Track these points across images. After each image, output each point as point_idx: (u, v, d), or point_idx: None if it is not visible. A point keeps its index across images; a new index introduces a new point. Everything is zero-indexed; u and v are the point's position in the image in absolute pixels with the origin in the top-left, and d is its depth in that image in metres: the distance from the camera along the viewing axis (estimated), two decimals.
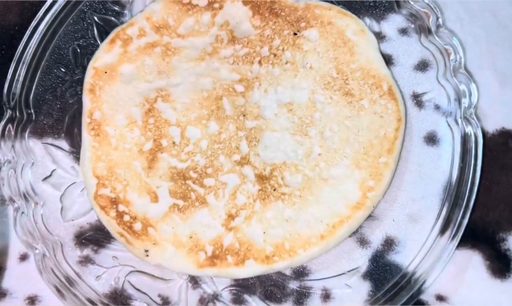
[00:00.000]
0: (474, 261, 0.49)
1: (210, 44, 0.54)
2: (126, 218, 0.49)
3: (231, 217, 0.49)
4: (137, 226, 0.49)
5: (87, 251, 0.51)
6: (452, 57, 0.51)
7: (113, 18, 0.57)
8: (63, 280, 0.48)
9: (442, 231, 0.48)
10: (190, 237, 0.49)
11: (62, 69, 0.55)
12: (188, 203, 0.50)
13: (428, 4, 0.53)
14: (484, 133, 0.52)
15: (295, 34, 0.54)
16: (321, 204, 0.49)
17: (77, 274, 0.49)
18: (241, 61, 0.54)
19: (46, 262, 0.48)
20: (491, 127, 0.53)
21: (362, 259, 0.49)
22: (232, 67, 0.54)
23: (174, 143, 0.52)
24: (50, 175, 0.53)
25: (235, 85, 0.53)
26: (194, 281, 0.49)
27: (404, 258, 0.49)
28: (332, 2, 0.55)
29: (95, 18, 0.57)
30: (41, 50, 0.54)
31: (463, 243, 0.48)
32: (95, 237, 0.51)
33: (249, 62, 0.54)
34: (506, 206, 0.51)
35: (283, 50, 0.54)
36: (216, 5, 0.55)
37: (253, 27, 0.55)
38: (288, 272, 0.49)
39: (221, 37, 0.54)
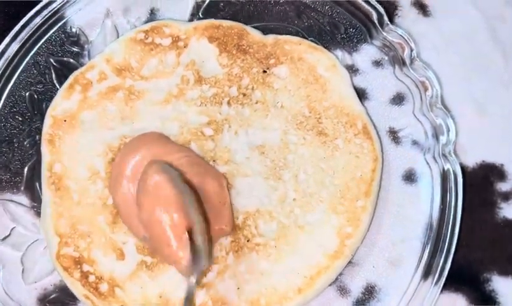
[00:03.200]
0: (458, 305, 0.47)
1: (176, 86, 0.51)
2: (91, 278, 0.47)
3: (203, 272, 0.46)
4: (104, 287, 0.46)
5: None
6: (428, 91, 0.49)
7: (71, 60, 0.54)
8: None
9: (425, 275, 0.46)
10: (160, 296, 0.46)
11: (19, 118, 0.52)
12: (157, 259, 0.47)
13: (401, 35, 0.51)
14: (464, 168, 0.50)
15: (264, 71, 0.51)
16: (298, 254, 0.46)
17: None
18: (208, 102, 0.51)
19: None
20: (471, 161, 0.51)
21: None
22: (199, 109, 0.51)
23: None
24: (9, 234, 0.49)
25: (203, 128, 0.50)
26: None
27: None
28: (302, 36, 0.53)
29: (52, 61, 0.53)
30: None
31: (446, 286, 0.46)
32: (60, 299, 0.48)
33: (218, 103, 0.51)
34: (489, 244, 0.49)
35: (252, 89, 0.51)
36: (181, 43, 0.52)
37: (220, 66, 0.52)
38: None
39: (187, 78, 0.52)
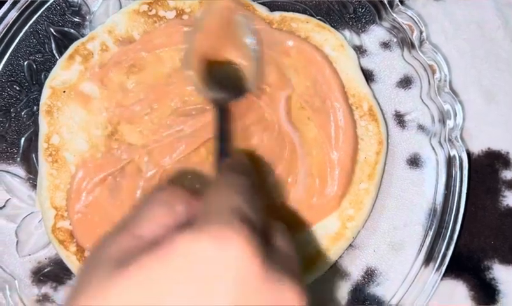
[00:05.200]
0: (458, 292, 0.47)
1: (179, 59, 0.50)
2: (87, 252, 0.46)
3: None
4: None
5: (46, 289, 0.47)
6: (437, 75, 0.48)
7: (72, 31, 0.52)
8: None
9: (426, 261, 0.46)
10: None
11: (17, 87, 0.51)
12: None
13: (411, 17, 0.50)
14: (469, 155, 0.49)
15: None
16: (298, 236, 0.46)
17: None
18: None
19: None
20: (477, 148, 0.50)
21: (341, 292, 0.46)
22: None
23: (139, 170, 0.48)
24: (4, 206, 0.48)
25: (206, 101, 0.49)
26: None
27: (386, 291, 0.46)
28: (309, 14, 0.52)
29: (52, 31, 0.52)
30: None
31: (447, 272, 0.46)
32: (54, 273, 0.47)
33: None
34: (491, 233, 0.48)
35: None
36: (185, 17, 0.51)
37: None
38: None
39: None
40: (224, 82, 0.46)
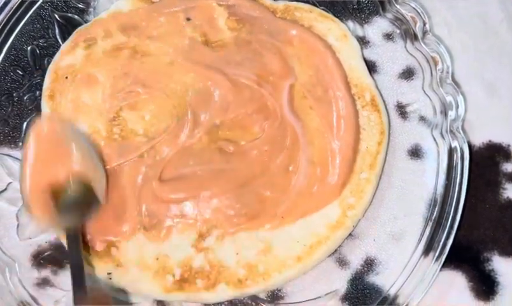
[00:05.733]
0: (457, 283, 0.47)
1: (182, 47, 0.50)
2: (87, 237, 0.46)
3: (202, 236, 0.46)
4: (100, 246, 0.45)
5: (45, 272, 0.47)
6: (439, 66, 0.48)
7: (76, 17, 0.52)
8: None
9: (426, 251, 0.45)
10: (157, 259, 0.45)
11: (20, 72, 0.51)
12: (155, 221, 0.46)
13: (414, 8, 0.50)
14: (470, 147, 0.49)
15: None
16: (299, 223, 0.46)
17: (33, 298, 0.45)
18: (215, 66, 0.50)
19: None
20: (478, 140, 0.50)
21: (340, 281, 0.46)
22: (204, 72, 0.50)
23: (141, 155, 0.48)
24: (5, 189, 0.48)
25: (207, 90, 0.49)
26: (161, 305, 0.46)
27: (385, 280, 0.46)
28: (313, 4, 0.52)
29: (56, 16, 0.52)
30: None
31: (446, 263, 0.46)
32: (54, 257, 0.47)
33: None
34: (491, 225, 0.48)
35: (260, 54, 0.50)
36: (190, 4, 0.51)
37: (228, 30, 0.51)
38: (262, 295, 0.46)
39: (195, 40, 0.50)
40: (70, 202, 0.43)
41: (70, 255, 0.42)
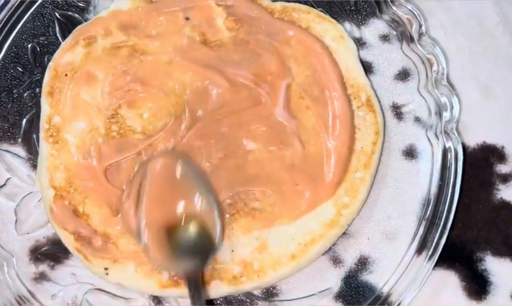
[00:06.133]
0: (450, 282, 0.48)
1: (181, 46, 0.51)
2: (84, 233, 0.46)
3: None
4: (97, 242, 0.46)
5: (43, 267, 0.47)
6: (434, 67, 0.49)
7: (76, 15, 0.53)
8: (13, 300, 0.45)
9: (419, 250, 0.46)
10: None
11: (20, 69, 0.51)
12: None
13: (411, 10, 0.50)
14: (464, 148, 0.50)
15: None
16: (294, 221, 0.46)
17: (30, 292, 0.46)
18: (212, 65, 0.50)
19: None
20: (472, 141, 0.51)
21: (334, 279, 0.47)
22: (203, 71, 0.50)
23: (139, 153, 0.48)
24: (4, 184, 0.49)
25: (205, 90, 0.50)
26: (157, 301, 0.47)
27: (378, 279, 0.46)
28: (310, 5, 0.52)
29: (57, 15, 0.52)
30: None
31: (439, 262, 0.46)
32: (52, 252, 0.48)
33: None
34: (485, 225, 0.49)
35: (258, 54, 0.51)
36: (189, 4, 0.52)
37: (227, 29, 0.51)
38: (257, 292, 0.47)
39: (193, 39, 0.51)
40: (188, 245, 0.42)
41: (191, 301, 0.41)
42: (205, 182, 0.45)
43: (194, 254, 0.42)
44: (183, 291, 0.45)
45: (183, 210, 0.43)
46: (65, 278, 0.47)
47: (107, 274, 0.45)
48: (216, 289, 0.45)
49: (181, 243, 0.42)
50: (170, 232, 0.42)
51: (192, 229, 0.43)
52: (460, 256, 0.48)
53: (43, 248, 0.48)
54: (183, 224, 0.43)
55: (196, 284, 0.41)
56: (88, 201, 0.47)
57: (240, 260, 0.45)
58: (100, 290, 0.47)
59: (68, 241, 0.46)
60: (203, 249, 0.43)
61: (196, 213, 0.43)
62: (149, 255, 0.43)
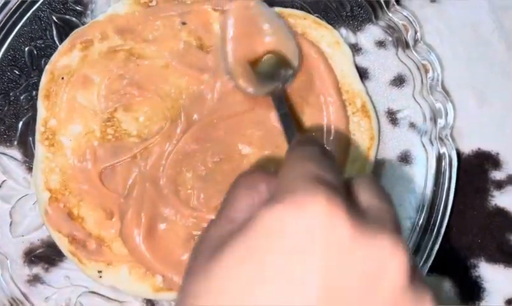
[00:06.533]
0: (443, 288, 0.48)
1: (177, 51, 0.51)
2: (79, 236, 0.46)
3: (192, 237, 0.46)
4: (91, 245, 0.46)
5: (37, 269, 0.47)
6: (430, 74, 0.49)
7: (73, 19, 0.53)
8: (6, 302, 0.45)
9: (413, 255, 0.46)
10: None
11: (17, 72, 0.52)
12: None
13: (406, 17, 0.51)
14: (459, 154, 0.50)
15: None
16: None
17: (24, 295, 0.46)
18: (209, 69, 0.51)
19: None
20: (467, 147, 0.51)
21: None
22: (198, 75, 0.51)
23: (134, 156, 0.48)
24: (0, 187, 0.49)
25: (201, 93, 0.50)
26: (151, 304, 0.47)
27: None
28: (307, 11, 0.53)
29: (54, 18, 0.53)
30: None
31: (433, 268, 0.46)
32: (46, 254, 0.48)
33: None
34: (479, 231, 0.49)
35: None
36: (186, 9, 0.52)
37: None
38: None
39: (189, 44, 0.51)
40: (271, 73, 0.48)
41: (277, 108, 0.46)
42: (279, 17, 0.50)
43: (276, 77, 0.47)
44: (176, 294, 0.45)
45: (263, 44, 0.48)
46: (59, 281, 0.47)
47: (101, 277, 0.46)
48: None
49: (264, 71, 0.48)
50: (254, 64, 0.48)
51: (272, 59, 0.48)
52: (454, 262, 0.48)
53: (38, 251, 0.48)
54: (264, 56, 0.48)
55: (280, 98, 0.46)
56: (83, 204, 0.47)
57: None
58: (94, 293, 0.47)
59: (62, 244, 0.47)
60: (283, 72, 0.48)
61: (275, 45, 0.48)
62: (238, 85, 0.48)
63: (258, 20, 0.49)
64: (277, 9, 0.52)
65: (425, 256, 0.46)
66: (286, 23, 0.50)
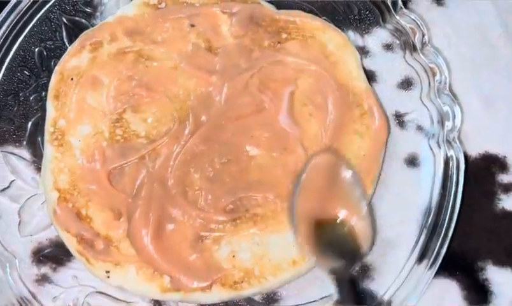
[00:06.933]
0: (451, 291, 0.47)
1: (185, 53, 0.51)
2: (87, 236, 0.47)
3: (199, 238, 0.46)
4: (99, 245, 0.46)
5: (45, 269, 0.47)
6: (437, 77, 0.49)
7: (83, 20, 0.54)
8: (15, 301, 0.45)
9: (420, 259, 0.46)
10: None
11: (26, 73, 0.52)
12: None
13: (414, 20, 0.51)
14: (466, 157, 0.50)
15: (275, 45, 0.51)
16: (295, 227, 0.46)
17: (32, 294, 0.46)
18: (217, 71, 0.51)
19: (0, 281, 0.45)
20: (474, 150, 0.51)
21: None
22: (207, 77, 0.51)
23: (142, 157, 0.49)
24: (8, 186, 0.49)
25: (210, 96, 0.50)
26: (158, 305, 0.47)
27: (379, 286, 0.46)
28: (315, 14, 0.53)
29: (64, 20, 0.53)
30: (4, 51, 0.51)
31: (440, 271, 0.46)
32: (54, 254, 0.48)
33: None
34: (486, 234, 0.49)
35: None
36: (194, 11, 0.52)
37: (231, 36, 0.52)
38: (257, 298, 0.47)
39: (198, 46, 0.52)
40: (335, 244, 0.44)
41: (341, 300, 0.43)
42: (360, 189, 0.46)
43: (340, 254, 0.43)
44: (183, 295, 0.45)
45: (335, 210, 0.44)
46: (67, 281, 0.47)
47: (108, 277, 0.46)
48: (217, 294, 0.45)
49: (328, 241, 0.44)
50: (319, 227, 0.44)
51: (341, 230, 0.44)
52: (461, 265, 0.48)
53: (46, 251, 0.48)
54: (333, 223, 0.44)
55: (342, 284, 0.43)
56: (91, 204, 0.47)
57: (241, 265, 0.45)
58: (102, 293, 0.47)
59: (71, 244, 0.47)
60: (349, 253, 0.44)
61: (348, 216, 0.44)
62: (297, 242, 0.44)
63: (341, 182, 0.45)
64: (285, 11, 0.53)
65: (432, 259, 0.46)
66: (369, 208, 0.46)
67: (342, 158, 0.46)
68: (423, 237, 0.47)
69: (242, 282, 0.45)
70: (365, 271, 0.47)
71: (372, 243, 0.45)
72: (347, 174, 0.45)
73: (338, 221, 0.44)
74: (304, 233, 0.44)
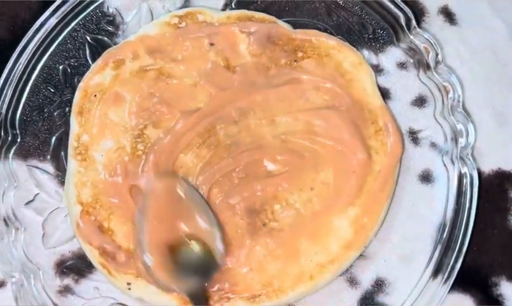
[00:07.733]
0: None
1: (205, 71, 0.53)
2: (109, 248, 0.48)
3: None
4: (120, 257, 0.48)
5: (67, 280, 0.49)
6: (450, 95, 0.50)
7: (106, 39, 0.56)
8: None
9: (435, 273, 0.47)
10: None
11: (51, 89, 0.54)
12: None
13: (427, 39, 0.52)
14: (480, 174, 0.51)
15: (291, 64, 0.53)
16: (312, 242, 0.47)
17: (55, 305, 0.47)
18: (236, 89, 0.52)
19: (24, 292, 0.47)
20: (488, 167, 0.52)
21: (350, 300, 0.48)
22: (225, 94, 0.52)
23: None
24: (33, 199, 0.51)
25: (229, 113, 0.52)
26: None
27: (394, 300, 0.47)
28: (330, 33, 0.55)
29: (88, 38, 0.55)
30: (30, 68, 0.53)
31: (454, 286, 0.47)
32: (76, 266, 0.49)
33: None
34: (500, 250, 0.49)
35: None
36: (214, 30, 0.54)
37: (249, 55, 0.53)
38: None
39: (217, 64, 0.53)
40: (191, 264, 0.45)
41: None
42: (204, 202, 0.47)
43: (196, 272, 0.44)
44: None
45: (184, 230, 0.45)
46: (89, 292, 0.48)
47: (129, 289, 0.47)
48: None
49: (183, 262, 0.44)
50: (173, 252, 0.45)
51: (193, 248, 0.45)
52: (475, 280, 0.49)
53: (68, 262, 0.49)
54: (184, 243, 0.45)
55: (198, 299, 0.43)
56: (113, 218, 0.49)
57: (259, 279, 0.46)
58: (123, 304, 0.48)
59: (93, 256, 0.48)
60: (204, 267, 0.45)
61: (197, 232, 0.45)
62: (152, 275, 0.44)
63: (182, 203, 0.46)
64: (301, 30, 0.54)
65: (446, 274, 0.46)
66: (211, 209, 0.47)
67: (175, 176, 0.47)
68: (437, 252, 0.47)
69: (260, 295, 0.46)
70: (380, 285, 0.48)
71: (225, 253, 0.46)
72: (182, 192, 0.46)
73: (188, 240, 0.45)
74: (158, 261, 0.44)
